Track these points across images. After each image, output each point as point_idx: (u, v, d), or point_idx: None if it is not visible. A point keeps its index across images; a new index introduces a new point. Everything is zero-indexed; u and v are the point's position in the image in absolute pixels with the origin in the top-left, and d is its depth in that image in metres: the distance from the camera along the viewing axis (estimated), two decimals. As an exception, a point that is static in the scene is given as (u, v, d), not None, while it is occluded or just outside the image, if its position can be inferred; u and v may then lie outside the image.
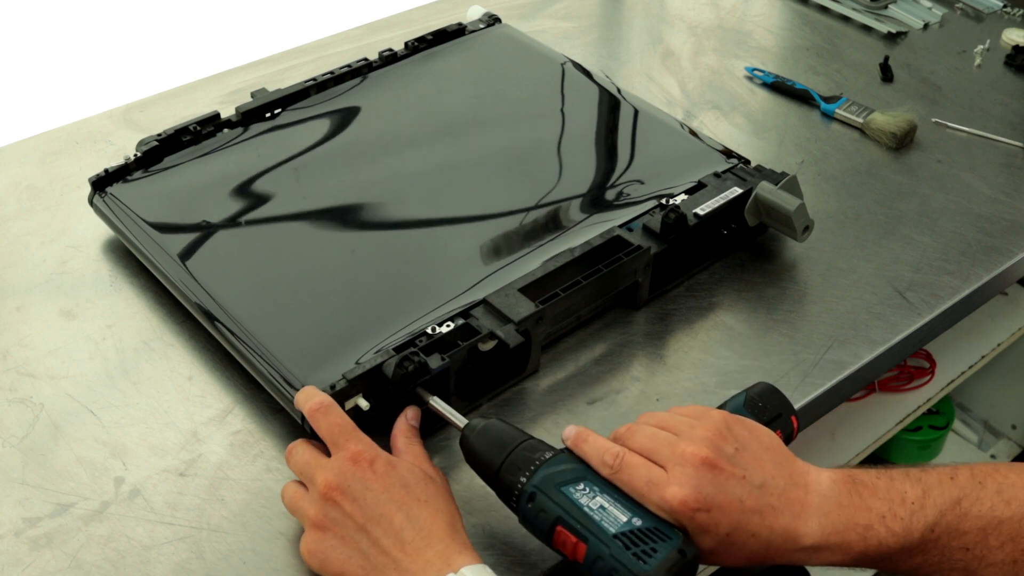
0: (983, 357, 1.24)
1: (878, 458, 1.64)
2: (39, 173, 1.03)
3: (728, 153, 0.96)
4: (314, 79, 1.02)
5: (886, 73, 1.18)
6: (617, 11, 1.33)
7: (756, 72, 1.18)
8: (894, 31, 1.26)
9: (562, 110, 1.03)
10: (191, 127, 0.96)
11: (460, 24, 1.13)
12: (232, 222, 0.88)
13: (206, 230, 0.87)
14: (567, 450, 0.66)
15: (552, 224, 0.89)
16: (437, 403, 0.73)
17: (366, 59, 1.06)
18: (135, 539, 0.71)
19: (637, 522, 0.62)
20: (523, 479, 0.64)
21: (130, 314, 0.87)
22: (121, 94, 1.15)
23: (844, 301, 0.90)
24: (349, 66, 1.05)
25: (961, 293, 0.92)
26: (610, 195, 0.92)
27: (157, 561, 0.69)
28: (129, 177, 0.92)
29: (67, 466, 0.75)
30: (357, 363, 0.75)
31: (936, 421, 1.59)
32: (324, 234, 0.88)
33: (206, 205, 0.90)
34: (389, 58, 1.07)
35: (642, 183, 0.93)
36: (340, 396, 0.73)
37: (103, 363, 0.83)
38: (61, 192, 1.00)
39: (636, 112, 1.03)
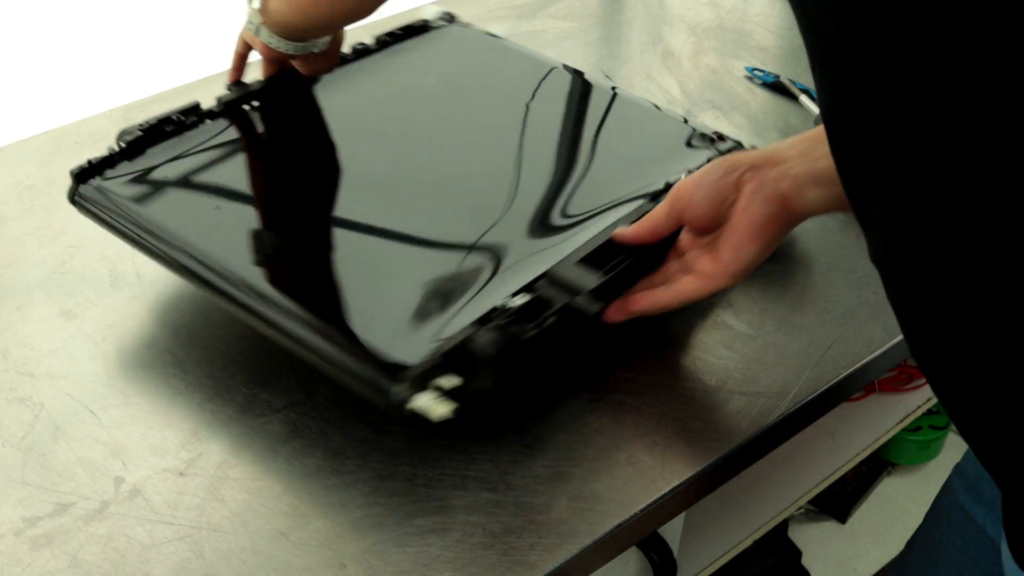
0: (983, 357, 1.24)
1: (878, 458, 1.64)
2: (39, 173, 1.03)
3: (720, 137, 0.96)
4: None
5: (886, 73, 1.18)
6: (617, 11, 1.33)
7: (756, 72, 1.18)
8: (894, 31, 1.26)
9: (559, 107, 1.02)
10: (174, 116, 0.94)
11: (424, 21, 1.12)
12: (240, 199, 0.88)
13: (208, 216, 0.86)
14: None
15: (551, 223, 0.89)
16: None
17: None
18: (135, 539, 0.71)
19: None
20: None
21: (130, 314, 0.87)
22: (121, 94, 1.15)
23: (844, 301, 0.90)
24: None
25: (961, 293, 0.91)
26: (607, 189, 0.92)
27: (157, 561, 0.69)
28: (111, 171, 0.90)
29: (67, 466, 0.75)
30: (439, 340, 0.73)
31: (936, 421, 1.59)
32: (323, 219, 0.88)
33: (200, 193, 0.89)
34: (361, 52, 1.07)
35: (640, 175, 0.93)
36: (429, 375, 0.71)
37: (103, 363, 0.83)
38: (61, 192, 1.00)
39: (622, 101, 1.02)
